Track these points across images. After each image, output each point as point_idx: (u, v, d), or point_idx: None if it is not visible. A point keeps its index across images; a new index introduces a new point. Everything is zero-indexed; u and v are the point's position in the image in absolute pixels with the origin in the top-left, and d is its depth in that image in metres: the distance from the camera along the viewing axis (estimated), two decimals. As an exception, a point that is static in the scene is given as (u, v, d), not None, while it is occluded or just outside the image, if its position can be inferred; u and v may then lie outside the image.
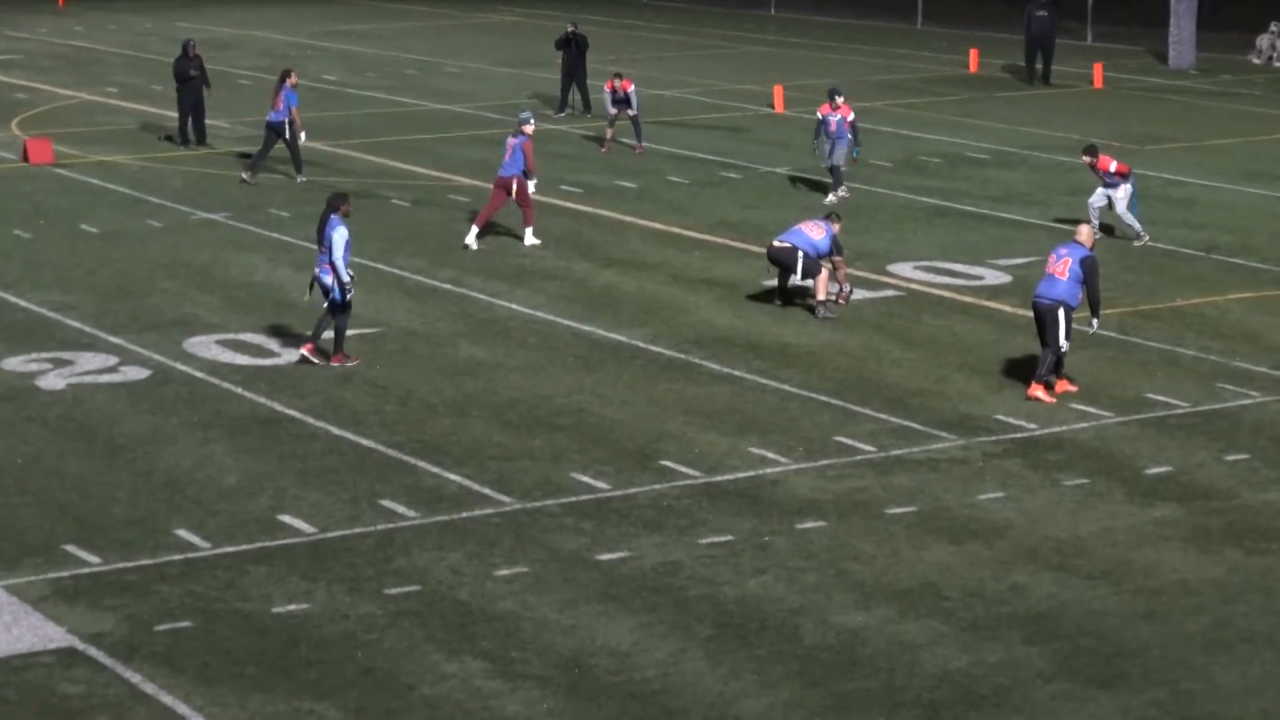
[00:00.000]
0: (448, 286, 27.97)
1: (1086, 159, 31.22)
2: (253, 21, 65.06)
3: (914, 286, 28.21)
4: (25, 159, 37.77)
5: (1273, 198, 34.96)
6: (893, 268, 29.27)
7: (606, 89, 39.35)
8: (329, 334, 23.87)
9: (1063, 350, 22.66)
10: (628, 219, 32.90)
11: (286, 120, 35.24)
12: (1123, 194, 30.67)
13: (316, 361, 23.81)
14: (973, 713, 15.01)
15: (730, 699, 15.22)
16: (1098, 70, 50.73)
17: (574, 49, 44.07)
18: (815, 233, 26.40)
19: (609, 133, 39.53)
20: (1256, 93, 48.87)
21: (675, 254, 30.32)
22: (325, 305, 23.80)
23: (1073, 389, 22.92)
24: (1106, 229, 30.53)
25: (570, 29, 44.30)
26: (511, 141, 30.62)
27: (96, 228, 32.05)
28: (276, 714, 14.92)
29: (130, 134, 41.46)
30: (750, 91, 47.94)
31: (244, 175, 35.73)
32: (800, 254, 26.21)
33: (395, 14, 68.15)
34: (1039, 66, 50.46)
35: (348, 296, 23.60)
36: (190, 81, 39.39)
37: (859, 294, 27.27)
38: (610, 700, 15.18)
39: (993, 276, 28.89)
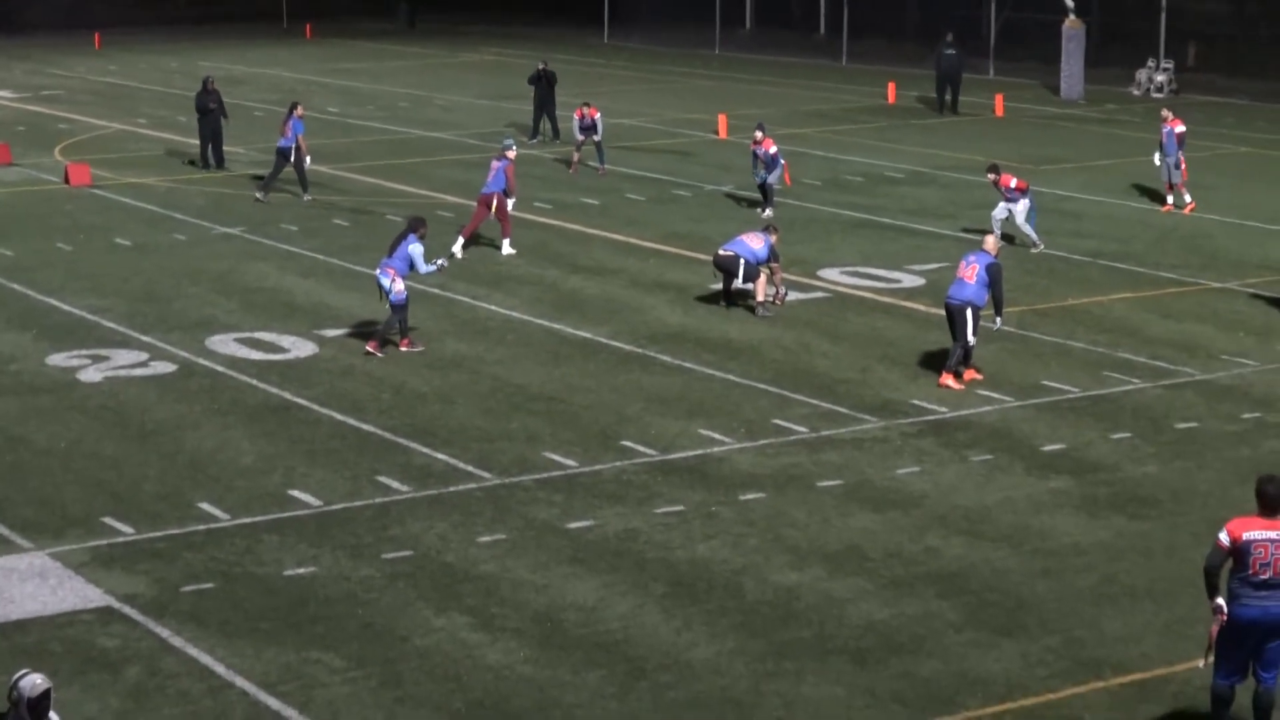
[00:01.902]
0: (435, 290, 27.88)
1: (990, 176, 31.21)
2: (265, 61, 64.82)
3: (840, 289, 28.21)
4: (66, 181, 37.61)
5: (1149, 210, 35.03)
6: (822, 273, 29.26)
7: (576, 116, 39.23)
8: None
9: (970, 344, 22.71)
10: (592, 231, 32.85)
11: (294, 146, 35.15)
12: (1021, 208, 30.68)
13: (395, 351, 24.07)
14: (893, 658, 15.03)
15: (683, 648, 15.22)
16: (999, 100, 50.81)
17: (544, 84, 43.98)
18: (755, 243, 26.39)
19: (576, 156, 39.43)
20: (1136, 120, 48.98)
21: (633, 261, 30.29)
22: (387, 305, 24.19)
23: (979, 377, 22.96)
24: (1008, 238, 30.54)
25: (541, 66, 44.21)
26: (495, 164, 30.60)
27: (129, 241, 31.92)
28: (288, 663, 14.89)
29: (158, 159, 41.29)
30: (698, 120, 47.90)
31: (257, 195, 35.60)
32: (742, 261, 26.20)
33: (390, 54, 67.97)
34: (948, 98, 50.48)
35: (441, 265, 24.88)
36: (210, 113, 39.25)
37: (793, 295, 27.26)
38: (578, 649, 15.17)
39: (909, 280, 28.90)
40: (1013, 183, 30.76)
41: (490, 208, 30.33)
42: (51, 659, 14.75)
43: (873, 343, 24.97)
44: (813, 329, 25.73)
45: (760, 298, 26.28)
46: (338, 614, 15.87)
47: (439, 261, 25.05)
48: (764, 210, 33.86)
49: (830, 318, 26.40)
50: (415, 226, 24.43)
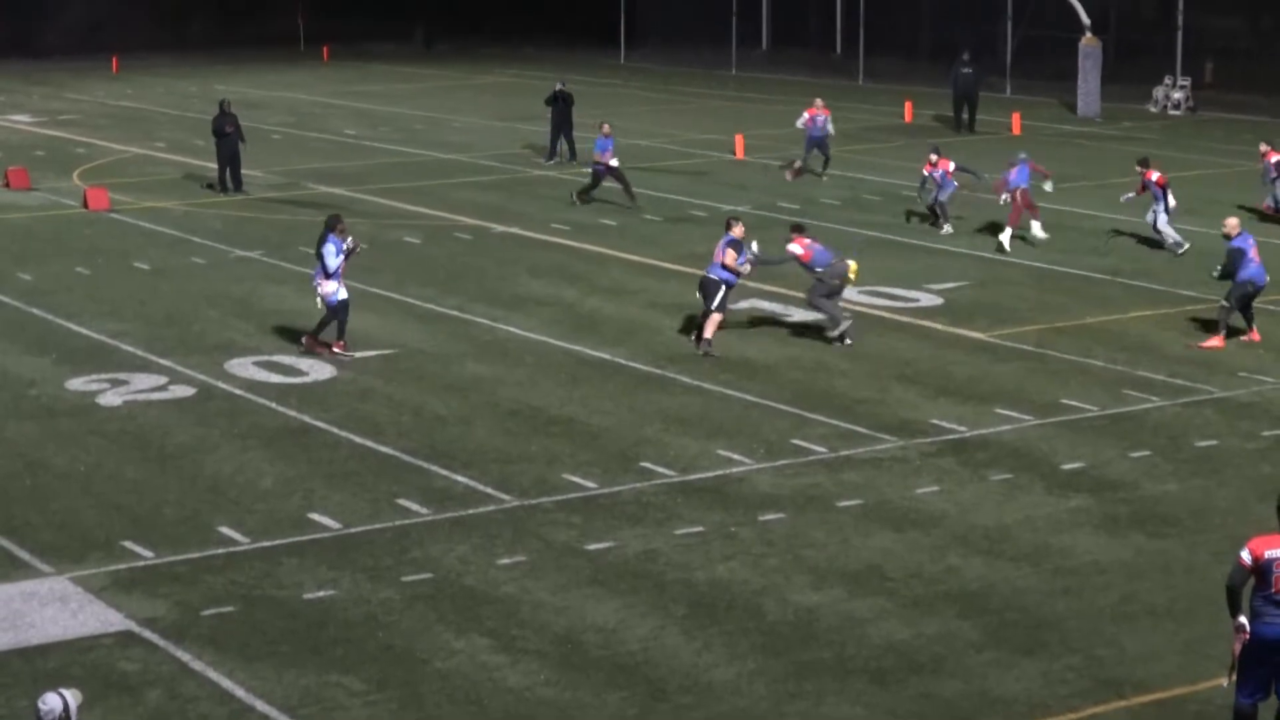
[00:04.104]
0: (454, 313, 27.95)
1: (1139, 169, 32.51)
2: (281, 84, 65.02)
3: (858, 308, 28.19)
4: (85, 205, 37.73)
5: (1168, 228, 35.00)
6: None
7: (808, 114, 40.92)
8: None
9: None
10: (609, 252, 32.89)
11: (606, 161, 36.97)
12: (1164, 209, 32.02)
13: (323, 351, 24.73)
14: (914, 678, 15.02)
15: (703, 669, 15.22)
16: (1016, 119, 50.83)
17: (562, 104, 44.05)
18: (717, 256, 25.60)
19: (798, 163, 40.25)
20: (1153, 137, 48.98)
21: (651, 282, 30.32)
22: (321, 307, 24.88)
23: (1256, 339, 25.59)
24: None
25: (559, 87, 44.28)
26: (1022, 159, 32.85)
27: (147, 264, 32.01)
28: (308, 686, 14.91)
29: (176, 183, 41.42)
30: (714, 140, 47.95)
31: (574, 197, 37.41)
32: (722, 287, 25.31)
33: (404, 76, 68.15)
34: (965, 116, 50.54)
35: (349, 247, 24.68)
36: (227, 136, 39.40)
37: (811, 315, 27.18)
38: (599, 671, 15.18)
39: (926, 299, 28.91)
40: (1154, 175, 32.04)
41: (1020, 200, 32.22)
42: (72, 683, 14.73)
43: (891, 362, 24.97)
44: (831, 349, 25.72)
45: (708, 335, 25.15)
46: (358, 637, 15.89)
47: (345, 246, 24.68)
48: (943, 227, 34.14)
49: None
50: (332, 225, 24.40)
